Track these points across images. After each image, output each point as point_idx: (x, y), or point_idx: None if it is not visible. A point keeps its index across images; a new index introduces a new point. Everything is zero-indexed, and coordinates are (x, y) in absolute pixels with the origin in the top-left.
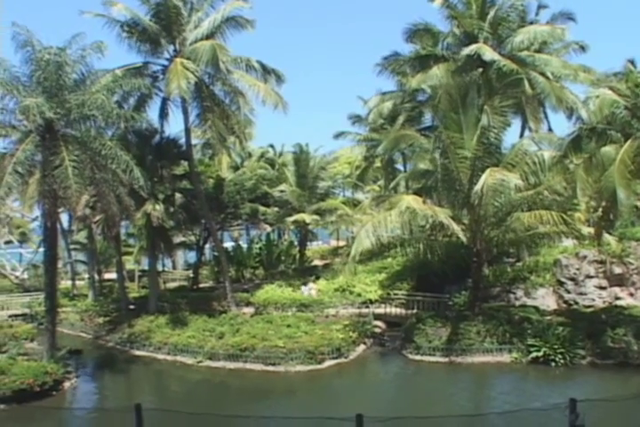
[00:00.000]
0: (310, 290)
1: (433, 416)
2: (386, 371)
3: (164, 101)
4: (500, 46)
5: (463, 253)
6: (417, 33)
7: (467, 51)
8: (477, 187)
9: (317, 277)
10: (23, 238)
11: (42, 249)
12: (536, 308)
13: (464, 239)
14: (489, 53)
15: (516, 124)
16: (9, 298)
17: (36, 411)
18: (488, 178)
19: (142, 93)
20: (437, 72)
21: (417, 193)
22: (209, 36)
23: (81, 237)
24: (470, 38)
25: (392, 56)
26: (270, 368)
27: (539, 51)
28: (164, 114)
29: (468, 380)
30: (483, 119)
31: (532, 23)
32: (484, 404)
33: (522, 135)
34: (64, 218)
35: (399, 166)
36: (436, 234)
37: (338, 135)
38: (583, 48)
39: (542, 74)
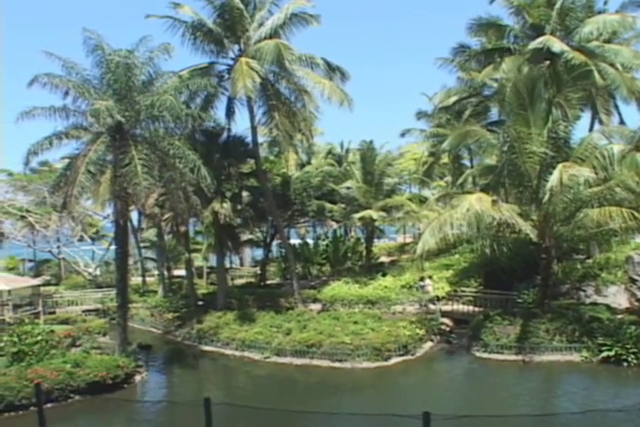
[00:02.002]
0: (427, 286)
1: (501, 415)
2: (453, 369)
3: (230, 100)
4: (568, 37)
5: (532, 249)
6: (482, 27)
7: (535, 43)
8: (550, 183)
9: (384, 274)
10: (95, 236)
11: (113, 247)
12: (607, 306)
13: (532, 236)
14: (557, 45)
15: (586, 117)
16: (82, 294)
17: (109, 403)
18: (562, 174)
19: (209, 93)
20: (504, 66)
21: (484, 189)
22: (272, 34)
23: (151, 234)
24: (537, 30)
25: (459, 48)
26: (337, 365)
27: (608, 41)
28: (230, 113)
29: (537, 379)
30: (552, 112)
31: (600, 12)
32: (552, 404)
33: (591, 128)
34: (134, 216)
35: (466, 162)
36: (503, 230)
37: (404, 133)
38: None
39: (612, 65)
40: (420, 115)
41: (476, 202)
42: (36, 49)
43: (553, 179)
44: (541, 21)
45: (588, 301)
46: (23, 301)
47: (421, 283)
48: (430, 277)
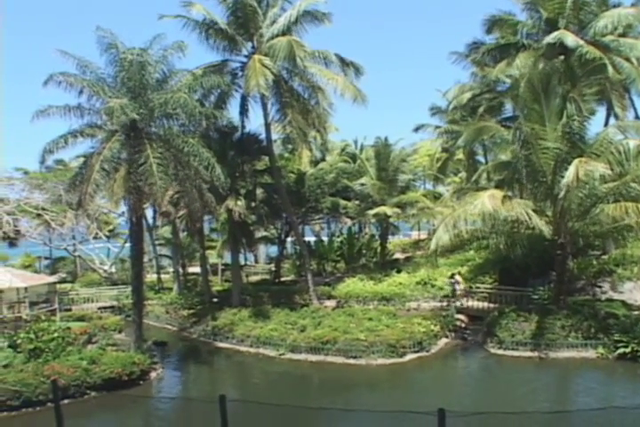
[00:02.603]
0: (456, 284)
1: (516, 412)
2: (468, 365)
3: (244, 98)
4: (583, 32)
5: (547, 245)
6: (496, 23)
7: (549, 38)
8: (566, 179)
9: (399, 271)
10: (111, 234)
11: (128, 244)
12: (623, 302)
13: (547, 232)
14: (572, 39)
15: (601, 111)
16: (98, 291)
17: (125, 399)
18: (577, 169)
19: (222, 91)
20: (518, 61)
21: (498, 185)
22: (285, 31)
23: (165, 232)
24: (551, 25)
25: (473, 45)
26: (351, 361)
27: (623, 35)
28: (244, 110)
29: (552, 375)
30: (566, 108)
31: (615, 6)
32: (568, 400)
33: (607, 123)
34: (149, 214)
35: (480, 158)
36: (518, 226)
37: (417, 128)
38: None
39: (627, 59)
40: (434, 110)
41: (489, 199)
42: (49, 48)
43: (568, 174)
44: (555, 16)
45: (603, 297)
46: (39, 298)
47: (451, 280)
48: (460, 274)
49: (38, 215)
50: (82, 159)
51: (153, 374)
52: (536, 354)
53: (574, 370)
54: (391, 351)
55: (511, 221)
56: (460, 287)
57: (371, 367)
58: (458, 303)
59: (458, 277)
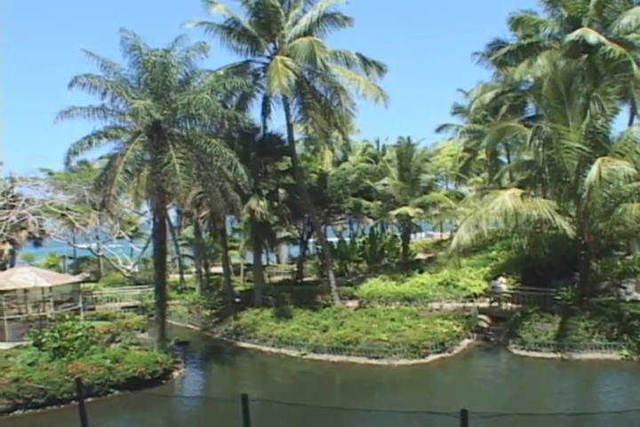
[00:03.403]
0: (501, 284)
1: (539, 414)
2: (490, 366)
3: (266, 98)
4: (606, 30)
5: (570, 246)
6: (518, 23)
7: (572, 36)
8: (589, 178)
9: (421, 271)
10: (134, 234)
11: (151, 244)
12: None
13: (571, 232)
14: (594, 37)
15: (625, 110)
16: (121, 291)
17: (147, 398)
18: (600, 168)
19: (244, 91)
20: (540, 61)
21: (521, 185)
22: (307, 32)
23: (188, 232)
24: (573, 24)
25: (494, 44)
26: (373, 362)
27: None
28: (266, 111)
29: (576, 377)
30: (590, 107)
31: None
32: (591, 402)
33: (631, 122)
34: (171, 214)
35: (503, 158)
36: (541, 226)
37: (440, 128)
38: None
39: None
40: (456, 110)
41: (510, 198)
42: (75, 50)
43: (591, 174)
44: (578, 14)
45: (628, 298)
46: (64, 297)
47: (495, 281)
48: (505, 276)
49: (62, 215)
50: (105, 160)
51: (175, 374)
52: (559, 355)
53: (598, 372)
54: (413, 352)
55: (534, 221)
56: (504, 289)
57: (393, 368)
58: (502, 305)
59: (502, 279)
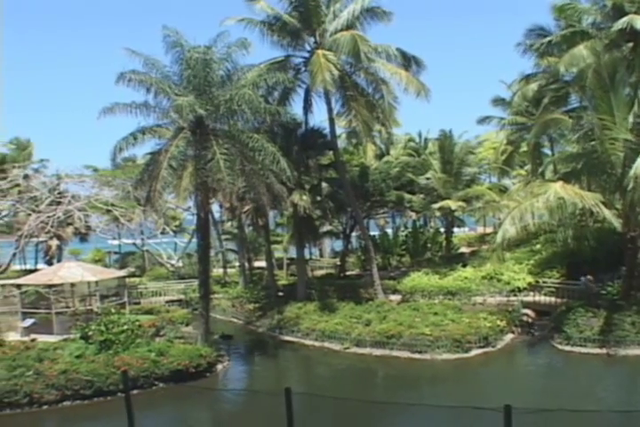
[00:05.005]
0: (587, 283)
1: (584, 410)
2: (534, 361)
3: (307, 93)
4: None
5: (616, 239)
6: (561, 10)
7: (619, 24)
8: (634, 170)
9: (464, 265)
10: (177, 229)
11: (195, 239)
12: None
13: (617, 225)
14: None
15: None
16: (166, 285)
17: (191, 390)
18: None
19: (286, 86)
20: (584, 50)
21: (565, 178)
22: (348, 26)
23: (232, 226)
24: (618, 11)
25: (534, 30)
26: (416, 356)
27: None
28: (307, 105)
29: (622, 373)
30: (637, 97)
31: None
32: (638, 400)
33: None
34: (215, 208)
35: (546, 150)
36: (586, 220)
37: (481, 120)
38: None
39: None
40: (497, 102)
41: (561, 189)
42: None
43: (636, 165)
44: (622, 1)
45: None
46: (109, 291)
47: (584, 279)
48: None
49: (108, 211)
50: (149, 157)
51: (219, 367)
52: (604, 351)
53: None
54: (456, 346)
55: (579, 215)
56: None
57: (435, 362)
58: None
59: (590, 277)
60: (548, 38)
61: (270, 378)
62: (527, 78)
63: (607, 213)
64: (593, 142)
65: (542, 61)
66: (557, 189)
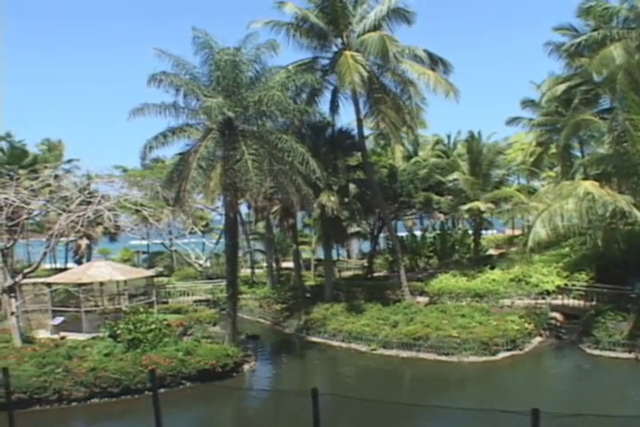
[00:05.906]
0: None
1: (614, 415)
2: (562, 365)
3: (335, 94)
4: None
5: None
6: (589, 10)
7: None
8: None
9: (492, 267)
10: (205, 229)
11: (223, 239)
12: None
13: None
14: None
15: None
16: (193, 285)
17: (218, 390)
18: None
19: (313, 88)
20: (615, 51)
21: (595, 179)
22: (376, 27)
23: (259, 227)
24: None
25: (562, 29)
26: (443, 358)
27: None
28: (334, 106)
29: None
30: None
31: None
32: None
33: None
34: (243, 209)
35: (576, 152)
36: (616, 222)
37: (510, 121)
38: None
39: None
40: (526, 103)
41: (592, 187)
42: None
43: None
44: None
45: None
46: (138, 291)
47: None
48: None
49: (137, 211)
50: (177, 157)
51: (246, 367)
52: (633, 356)
53: None
54: (484, 349)
55: (609, 216)
56: None
57: (462, 365)
58: None
59: None
60: (577, 39)
61: (297, 378)
62: (556, 79)
63: (639, 215)
64: (625, 144)
65: (573, 62)
66: (588, 186)
